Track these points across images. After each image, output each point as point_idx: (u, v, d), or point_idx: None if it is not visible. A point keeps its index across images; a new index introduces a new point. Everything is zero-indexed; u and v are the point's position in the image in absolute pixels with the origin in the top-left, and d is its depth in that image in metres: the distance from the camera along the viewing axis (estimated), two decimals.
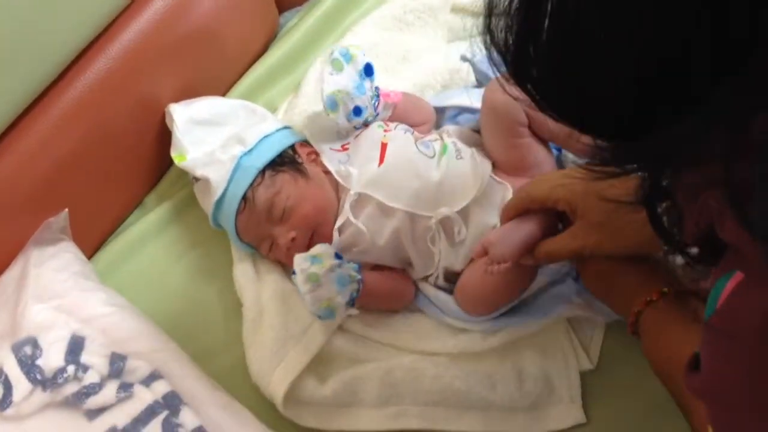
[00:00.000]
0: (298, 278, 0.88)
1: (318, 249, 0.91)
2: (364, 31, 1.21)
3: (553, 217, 0.87)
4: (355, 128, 1.01)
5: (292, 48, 1.22)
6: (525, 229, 0.86)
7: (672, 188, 0.45)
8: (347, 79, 0.97)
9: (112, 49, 1.00)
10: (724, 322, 0.46)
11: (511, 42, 0.40)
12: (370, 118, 1.01)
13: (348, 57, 0.98)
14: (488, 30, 0.41)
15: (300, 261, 0.89)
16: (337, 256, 0.92)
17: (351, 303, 0.92)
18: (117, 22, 1.02)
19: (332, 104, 0.97)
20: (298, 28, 1.24)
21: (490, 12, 0.41)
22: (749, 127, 0.36)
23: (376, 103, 1.00)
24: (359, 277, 0.92)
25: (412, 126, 1.03)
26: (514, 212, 0.88)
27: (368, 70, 0.99)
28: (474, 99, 1.04)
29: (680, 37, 0.35)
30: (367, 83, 0.99)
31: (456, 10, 1.20)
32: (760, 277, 0.42)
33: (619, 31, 0.36)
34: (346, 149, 1.00)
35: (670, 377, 0.72)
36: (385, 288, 0.97)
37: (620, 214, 0.75)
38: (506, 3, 0.40)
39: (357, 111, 0.98)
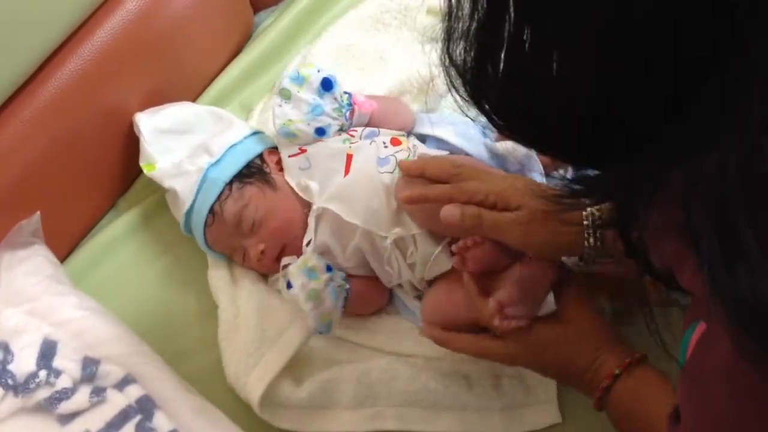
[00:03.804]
0: (300, 296, 0.87)
1: (311, 260, 0.90)
2: (339, 31, 1.21)
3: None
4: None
5: (268, 48, 1.22)
6: (544, 291, 0.81)
7: (641, 224, 0.45)
8: (299, 106, 0.96)
9: (83, 50, 0.99)
10: (694, 371, 0.46)
11: (469, 64, 0.40)
12: (344, 128, 1.00)
13: (300, 80, 0.96)
14: (447, 52, 0.41)
15: (298, 275, 0.88)
16: (327, 267, 0.91)
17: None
18: (88, 23, 1.01)
19: (288, 135, 0.97)
20: (274, 27, 1.24)
21: (448, 36, 0.41)
22: (700, 167, 0.36)
23: (348, 113, 0.99)
24: (347, 286, 0.92)
25: (391, 129, 1.02)
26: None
27: (327, 85, 0.97)
28: (435, 127, 1.02)
29: (627, 80, 0.36)
30: (327, 99, 0.97)
31: (432, 12, 1.20)
32: (718, 328, 0.42)
33: (570, 68, 0.37)
34: (304, 151, 0.98)
35: None
36: (366, 293, 0.96)
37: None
38: (465, 27, 0.40)
39: (319, 131, 0.97)
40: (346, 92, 1.00)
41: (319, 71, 0.97)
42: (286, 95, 0.96)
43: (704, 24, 0.33)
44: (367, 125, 1.02)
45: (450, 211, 0.79)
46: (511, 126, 0.42)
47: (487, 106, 0.42)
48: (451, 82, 0.43)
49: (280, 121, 0.96)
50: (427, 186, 0.85)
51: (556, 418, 0.89)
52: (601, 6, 0.35)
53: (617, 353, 0.75)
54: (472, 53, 0.40)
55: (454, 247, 0.82)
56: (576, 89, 0.37)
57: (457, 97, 0.43)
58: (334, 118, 0.98)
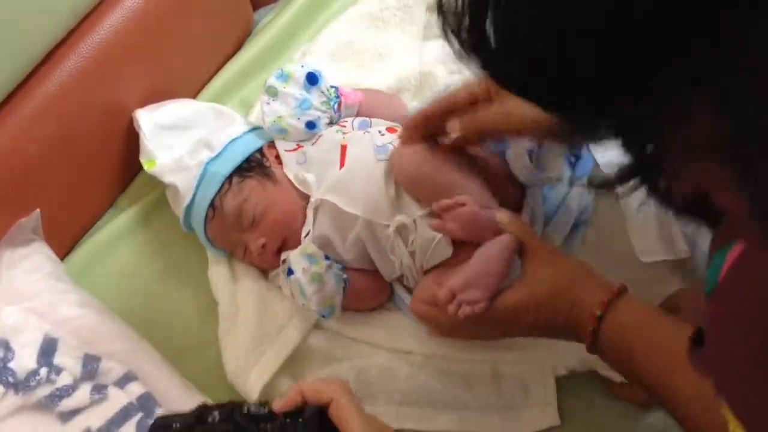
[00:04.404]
0: (302, 279, 0.87)
1: (309, 248, 0.90)
2: (339, 28, 1.21)
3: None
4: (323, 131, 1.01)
5: (268, 45, 1.22)
6: (492, 270, 0.81)
7: (660, 158, 0.42)
8: (287, 101, 0.98)
9: (82, 48, 0.99)
10: (731, 291, 0.45)
11: (466, 18, 0.39)
12: (334, 121, 1.01)
13: (284, 77, 0.99)
14: (440, 10, 0.40)
15: (299, 260, 0.88)
16: (326, 256, 0.91)
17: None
18: (87, 21, 1.01)
19: (280, 131, 0.99)
20: (273, 24, 1.24)
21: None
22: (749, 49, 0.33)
23: (336, 105, 1.01)
24: (345, 276, 0.92)
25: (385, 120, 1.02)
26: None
27: (312, 79, 0.99)
28: None
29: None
30: (314, 93, 0.99)
31: (431, 8, 1.20)
32: (761, 245, 0.41)
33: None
34: (301, 147, 0.99)
35: (663, 375, 0.69)
36: (365, 287, 0.96)
37: None
38: None
39: (310, 125, 0.99)
40: (332, 86, 1.01)
41: (303, 67, 1.00)
42: (272, 92, 0.98)
43: None
44: (357, 116, 1.03)
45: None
46: (513, 75, 0.40)
47: (483, 55, 0.40)
48: (446, 30, 0.41)
49: (270, 118, 0.98)
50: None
51: (554, 421, 0.89)
52: None
53: (595, 294, 0.75)
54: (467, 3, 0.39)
55: (434, 206, 0.83)
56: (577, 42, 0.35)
57: (455, 45, 0.41)
58: (323, 111, 1.00)
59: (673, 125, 0.37)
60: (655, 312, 0.75)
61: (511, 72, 0.40)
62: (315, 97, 0.99)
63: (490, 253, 0.82)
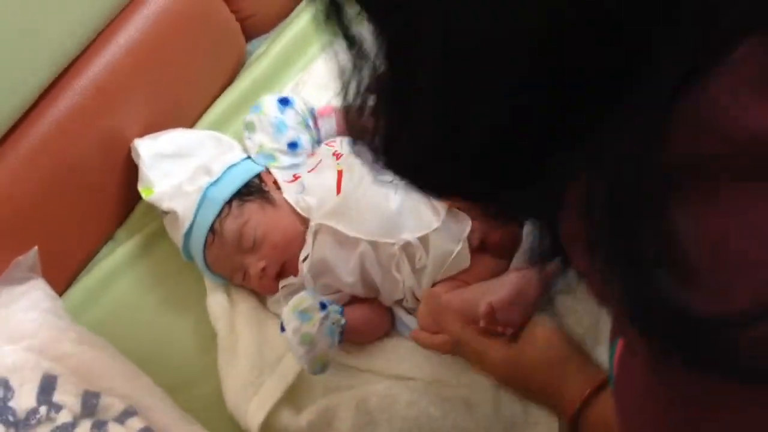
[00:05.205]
0: (292, 340, 0.86)
1: (304, 302, 0.89)
2: None
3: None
4: (310, 150, 1.04)
5: (261, 75, 1.23)
6: (531, 295, 0.80)
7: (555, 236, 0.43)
8: (264, 129, 1.03)
9: (78, 83, 1.00)
10: (617, 388, 0.44)
11: (382, 137, 0.41)
12: (314, 137, 1.04)
13: (258, 108, 1.05)
14: (349, 126, 0.42)
15: (291, 318, 0.87)
16: (321, 304, 0.90)
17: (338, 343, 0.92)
18: (83, 56, 1.02)
19: (267, 158, 1.02)
20: (267, 55, 1.25)
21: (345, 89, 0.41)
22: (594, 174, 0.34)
23: (311, 122, 1.04)
24: (344, 321, 0.91)
25: None
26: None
27: (284, 102, 1.04)
28: None
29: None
30: (288, 113, 1.03)
31: None
32: (629, 342, 0.41)
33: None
34: (298, 178, 1.01)
35: None
36: (364, 322, 0.96)
37: None
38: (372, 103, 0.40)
39: (292, 146, 1.02)
40: (308, 106, 1.06)
41: (272, 95, 1.05)
42: (251, 127, 1.05)
43: (589, 50, 0.32)
44: (338, 133, 1.05)
45: None
46: (430, 180, 0.43)
47: (405, 171, 0.42)
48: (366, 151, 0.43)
49: (254, 149, 1.03)
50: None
51: None
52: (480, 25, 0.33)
53: (580, 381, 0.74)
54: (382, 124, 0.40)
55: (481, 324, 0.80)
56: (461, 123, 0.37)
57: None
58: (301, 131, 1.02)
59: (555, 208, 0.38)
60: None
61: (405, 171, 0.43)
62: (290, 118, 1.03)
63: (529, 282, 0.80)
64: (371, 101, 0.39)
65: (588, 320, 0.89)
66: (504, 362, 0.79)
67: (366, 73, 0.39)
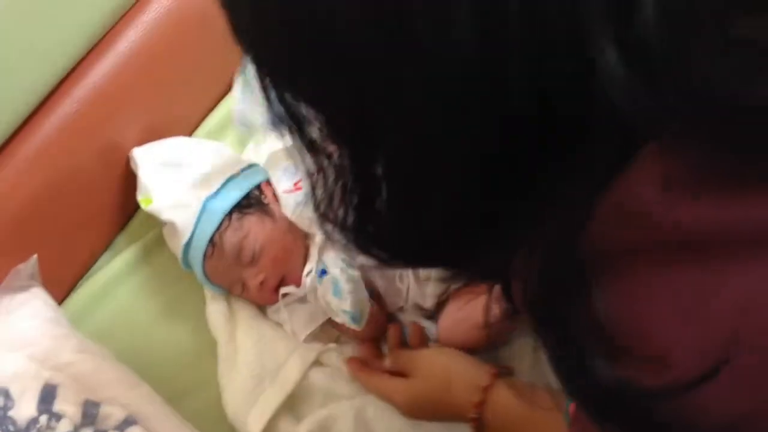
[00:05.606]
0: (341, 277, 0.87)
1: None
2: None
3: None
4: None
5: None
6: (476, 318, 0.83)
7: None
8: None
9: (78, 91, 1.00)
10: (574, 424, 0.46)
11: (351, 222, 0.42)
12: None
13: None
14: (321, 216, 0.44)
15: (336, 261, 0.90)
16: None
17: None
18: (83, 64, 1.02)
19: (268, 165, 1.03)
20: None
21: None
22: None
23: None
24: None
25: None
26: None
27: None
28: None
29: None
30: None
31: None
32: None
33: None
34: (300, 188, 1.00)
35: None
36: (376, 311, 0.96)
37: None
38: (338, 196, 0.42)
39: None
40: None
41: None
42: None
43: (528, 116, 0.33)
44: None
45: None
46: (404, 256, 0.45)
47: (375, 252, 0.44)
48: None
49: (255, 157, 1.05)
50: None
51: None
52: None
53: (469, 392, 0.80)
54: (351, 212, 0.42)
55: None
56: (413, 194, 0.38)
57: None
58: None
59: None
60: (518, 406, 0.77)
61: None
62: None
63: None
64: (338, 192, 0.42)
65: None
66: (407, 402, 0.85)
67: (330, 170, 0.41)
